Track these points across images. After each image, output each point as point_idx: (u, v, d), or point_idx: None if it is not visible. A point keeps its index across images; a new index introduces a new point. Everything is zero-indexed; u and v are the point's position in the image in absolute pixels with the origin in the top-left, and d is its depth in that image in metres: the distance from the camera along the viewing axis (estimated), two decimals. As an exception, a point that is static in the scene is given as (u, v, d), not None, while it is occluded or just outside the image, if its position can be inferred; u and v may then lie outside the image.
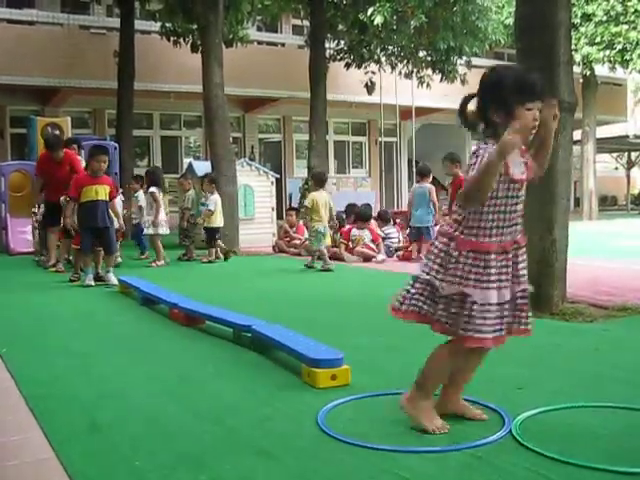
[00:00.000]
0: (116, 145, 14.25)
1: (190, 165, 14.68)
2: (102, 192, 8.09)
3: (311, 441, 2.81)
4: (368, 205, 14.83)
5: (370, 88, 18.69)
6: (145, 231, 10.81)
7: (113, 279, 7.96)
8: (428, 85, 18.76)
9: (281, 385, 3.69)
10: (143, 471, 2.55)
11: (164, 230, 10.59)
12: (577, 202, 25.68)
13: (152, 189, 10.59)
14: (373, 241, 11.29)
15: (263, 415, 3.16)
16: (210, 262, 10.81)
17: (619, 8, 21.19)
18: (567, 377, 3.73)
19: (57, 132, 13.16)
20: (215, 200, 11.05)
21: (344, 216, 12.65)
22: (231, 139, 14.03)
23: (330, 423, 2.98)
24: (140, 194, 11.35)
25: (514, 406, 3.13)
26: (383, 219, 12.38)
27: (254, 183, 14.00)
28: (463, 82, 18.57)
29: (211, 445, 2.79)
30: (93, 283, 7.93)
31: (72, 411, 3.28)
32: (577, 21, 20.95)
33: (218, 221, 11.15)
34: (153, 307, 6.25)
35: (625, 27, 21.29)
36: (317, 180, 10.58)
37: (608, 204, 35.58)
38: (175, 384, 3.75)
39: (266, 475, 2.49)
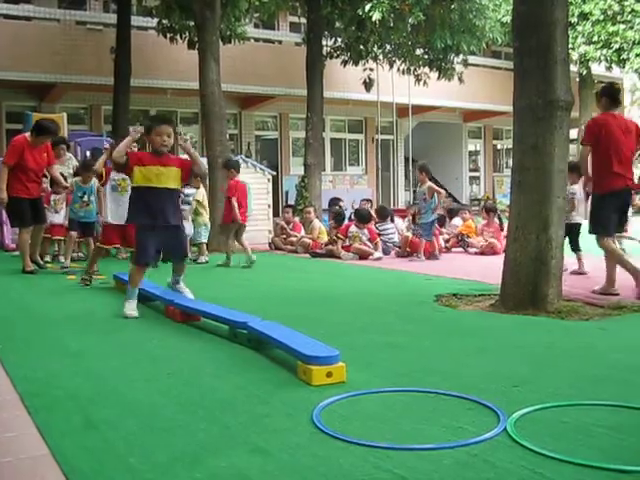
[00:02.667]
0: (112, 141, 14.22)
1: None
2: (169, 177, 5.88)
3: (306, 438, 2.81)
4: (368, 200, 14.86)
5: (368, 85, 18.68)
6: None
7: (187, 291, 6.19)
8: (425, 83, 18.77)
9: (277, 382, 3.69)
10: (138, 468, 2.54)
11: None
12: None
13: None
14: (371, 240, 11.30)
15: (258, 412, 3.16)
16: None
17: (616, 7, 21.23)
18: (562, 375, 3.73)
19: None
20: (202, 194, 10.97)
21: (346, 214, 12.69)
22: (228, 136, 14.01)
23: (325, 420, 2.98)
24: None
25: (509, 404, 3.13)
26: (381, 215, 12.37)
27: (250, 180, 13.97)
28: (460, 80, 18.59)
29: (206, 442, 2.79)
30: (136, 313, 5.71)
31: (67, 408, 3.27)
32: (574, 20, 20.99)
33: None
34: (149, 304, 6.25)
35: (622, 26, 21.32)
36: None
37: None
38: (170, 381, 3.75)
39: (261, 472, 2.49)
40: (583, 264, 8.55)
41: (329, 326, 5.14)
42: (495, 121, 27.08)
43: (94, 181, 9.17)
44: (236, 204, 10.04)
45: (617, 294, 6.62)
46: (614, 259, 6.85)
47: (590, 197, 7.04)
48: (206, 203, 11.13)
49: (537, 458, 2.55)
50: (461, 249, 11.99)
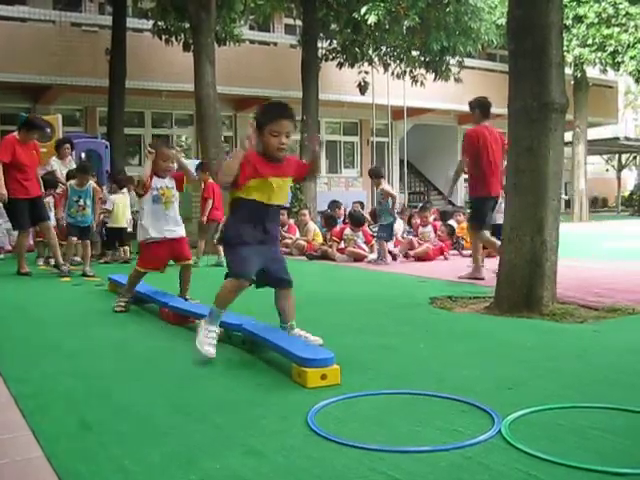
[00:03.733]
0: (107, 143, 14.23)
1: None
2: (284, 191, 4.50)
3: (301, 440, 2.81)
4: (361, 203, 14.86)
5: (363, 88, 18.70)
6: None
7: (312, 337, 4.54)
8: (422, 84, 18.79)
9: (271, 384, 3.68)
10: (132, 470, 2.54)
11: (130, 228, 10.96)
12: (568, 203, 25.76)
13: (122, 190, 11.00)
14: (366, 242, 11.30)
15: (253, 414, 3.15)
16: (107, 263, 10.59)
17: (610, 10, 21.29)
18: (557, 378, 3.74)
19: (48, 130, 13.13)
20: (114, 200, 10.84)
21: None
22: (223, 138, 14.01)
23: (320, 423, 2.98)
24: (115, 195, 11.18)
25: (504, 406, 3.13)
26: (375, 218, 12.37)
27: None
28: (457, 81, 18.61)
29: (201, 444, 2.79)
30: (213, 351, 4.16)
31: (61, 410, 3.27)
32: (569, 22, 21.04)
33: (121, 222, 10.92)
34: (143, 306, 6.24)
35: (616, 29, 21.38)
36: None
37: (599, 206, 35.73)
38: (164, 383, 3.74)
39: (256, 474, 2.49)
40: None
41: (324, 328, 5.13)
42: (490, 123, 27.15)
43: (90, 184, 9.12)
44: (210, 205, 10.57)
45: (482, 278, 7.84)
46: (491, 247, 8.25)
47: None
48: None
49: (531, 460, 2.55)
50: (456, 251, 12.00)
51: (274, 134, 4.20)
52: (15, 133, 9.16)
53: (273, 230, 4.52)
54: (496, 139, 7.96)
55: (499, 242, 7.07)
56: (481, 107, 8.02)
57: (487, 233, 8.03)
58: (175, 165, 6.22)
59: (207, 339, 4.17)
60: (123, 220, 10.89)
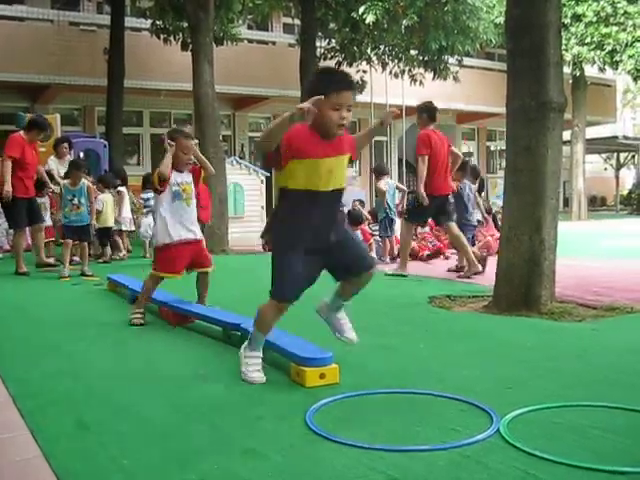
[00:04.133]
0: (105, 143, 14.22)
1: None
2: (341, 171, 3.79)
3: (299, 440, 2.81)
4: (361, 201, 14.85)
5: (360, 87, 18.68)
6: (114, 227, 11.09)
7: (348, 326, 4.21)
8: (421, 83, 18.77)
9: (270, 384, 3.68)
10: (131, 470, 2.54)
11: (127, 226, 11.15)
12: (566, 202, 25.75)
13: (121, 188, 11.13)
14: (365, 241, 11.28)
15: (251, 414, 3.15)
16: (105, 262, 10.59)
17: (609, 9, 21.27)
18: (555, 377, 3.74)
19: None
20: (103, 200, 10.82)
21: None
22: (221, 137, 14.00)
23: (318, 422, 2.98)
24: (107, 197, 11.16)
25: (502, 405, 3.14)
26: (375, 216, 12.35)
27: (244, 181, 14.00)
28: (455, 79, 18.60)
29: (199, 444, 2.79)
30: (262, 377, 3.75)
31: (60, 410, 3.27)
32: (567, 21, 21.02)
33: (109, 221, 10.95)
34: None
35: (615, 28, 21.37)
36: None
37: (597, 205, 35.72)
38: (163, 383, 3.74)
39: (254, 474, 2.49)
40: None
41: (322, 327, 5.13)
42: (488, 123, 27.13)
43: (83, 182, 8.91)
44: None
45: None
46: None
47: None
48: None
49: (530, 459, 2.55)
50: (454, 250, 11.98)
51: (336, 107, 3.55)
52: (21, 132, 9.13)
53: (334, 219, 3.79)
54: (442, 141, 8.48)
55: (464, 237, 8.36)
56: (428, 112, 8.55)
57: (456, 227, 8.48)
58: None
59: (251, 367, 3.76)
60: (111, 220, 10.93)
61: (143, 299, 5.61)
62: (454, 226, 8.44)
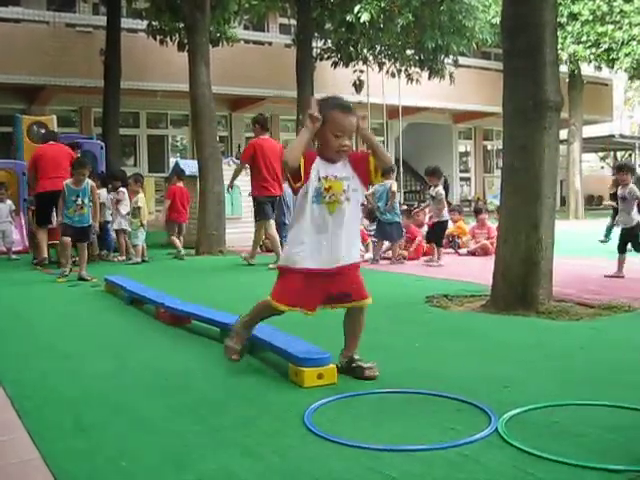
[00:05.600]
0: (102, 144, 14.21)
1: (177, 164, 14.66)
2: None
3: (297, 440, 2.81)
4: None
5: (358, 87, 18.70)
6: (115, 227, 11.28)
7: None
8: (417, 81, 18.78)
9: (267, 384, 3.68)
10: (129, 471, 2.54)
11: (125, 226, 11.20)
12: (563, 201, 25.78)
13: (122, 189, 11.20)
14: (362, 241, 11.28)
15: (249, 414, 3.15)
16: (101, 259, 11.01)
17: (605, 8, 21.29)
18: (553, 376, 3.74)
19: (43, 130, 13.16)
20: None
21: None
22: (218, 138, 14.00)
23: (316, 422, 2.98)
24: (102, 192, 11.22)
25: (500, 404, 3.14)
26: (370, 217, 12.35)
27: (241, 182, 13.93)
28: (451, 78, 18.61)
29: (197, 444, 2.79)
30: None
31: (57, 411, 3.26)
32: (563, 20, 21.04)
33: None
34: (139, 307, 6.24)
35: (611, 27, 21.39)
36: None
37: (594, 203, 35.76)
38: (161, 384, 3.74)
39: (252, 474, 2.49)
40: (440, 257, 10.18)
41: (320, 328, 5.13)
42: (485, 122, 27.17)
43: (87, 182, 8.64)
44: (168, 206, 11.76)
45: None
46: (257, 238, 10.32)
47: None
48: (145, 207, 11.56)
49: (528, 458, 2.55)
50: (452, 250, 12.00)
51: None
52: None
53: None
54: (273, 149, 9.86)
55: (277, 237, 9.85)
56: (260, 123, 10.14)
57: (273, 226, 10.03)
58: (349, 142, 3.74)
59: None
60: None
61: (242, 327, 4.04)
62: (272, 224, 10.02)
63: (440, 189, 10.33)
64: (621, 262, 8.04)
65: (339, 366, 3.78)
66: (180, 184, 12.24)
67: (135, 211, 11.12)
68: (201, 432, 2.93)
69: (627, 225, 8.31)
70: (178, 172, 12.85)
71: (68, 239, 8.61)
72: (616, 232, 9.67)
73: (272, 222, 10.04)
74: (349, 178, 3.77)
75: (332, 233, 3.71)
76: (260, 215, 10.02)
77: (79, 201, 8.52)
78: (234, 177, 10.31)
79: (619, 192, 8.48)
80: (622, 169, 8.65)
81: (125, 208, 11.08)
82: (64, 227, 8.63)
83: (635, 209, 8.26)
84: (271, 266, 9.18)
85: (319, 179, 3.69)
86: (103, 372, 4.00)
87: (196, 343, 4.82)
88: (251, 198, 10.32)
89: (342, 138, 3.65)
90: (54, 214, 9.97)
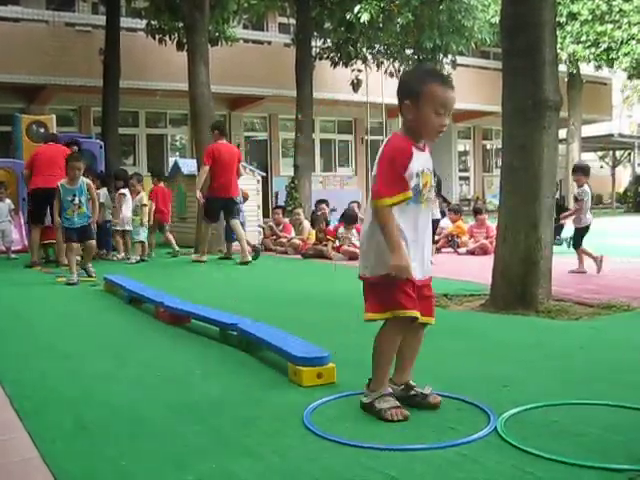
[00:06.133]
0: (102, 143, 14.21)
1: (176, 163, 14.66)
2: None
3: (297, 440, 2.81)
4: (357, 202, 14.86)
5: (356, 86, 18.69)
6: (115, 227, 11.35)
7: None
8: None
9: (267, 384, 3.68)
10: (129, 471, 2.54)
11: (129, 226, 11.24)
12: (562, 200, 25.78)
13: (122, 190, 11.24)
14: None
15: (249, 414, 3.15)
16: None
17: (604, 7, 21.32)
18: (552, 375, 3.74)
19: (42, 130, 13.18)
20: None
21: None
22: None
23: (316, 421, 2.98)
24: (101, 192, 11.24)
25: (499, 404, 3.14)
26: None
27: (240, 181, 13.94)
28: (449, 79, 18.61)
29: (196, 445, 2.79)
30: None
31: (57, 411, 3.26)
32: (563, 20, 21.06)
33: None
34: (139, 306, 6.24)
35: (610, 26, 21.41)
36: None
37: (593, 203, 35.75)
38: (160, 383, 3.74)
39: (252, 474, 2.49)
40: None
41: (319, 327, 5.14)
42: (484, 121, 27.16)
43: (82, 180, 8.41)
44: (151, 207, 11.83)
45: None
46: (202, 237, 10.78)
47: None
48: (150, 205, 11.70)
49: (527, 458, 2.55)
50: (451, 249, 12.01)
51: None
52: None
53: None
54: (231, 153, 10.72)
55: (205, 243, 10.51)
56: (218, 129, 10.84)
57: (238, 223, 10.66)
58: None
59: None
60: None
61: (382, 375, 3.27)
62: (237, 222, 10.66)
63: None
64: (581, 258, 8.49)
65: (393, 394, 3.18)
66: (161, 185, 12.44)
67: (137, 209, 11.17)
68: (201, 432, 2.93)
69: (578, 225, 8.79)
70: (157, 173, 13.00)
71: (74, 245, 8.43)
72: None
73: (237, 221, 10.70)
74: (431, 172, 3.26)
75: (422, 237, 3.21)
76: (207, 216, 10.67)
77: (76, 200, 8.30)
78: (200, 182, 10.61)
79: (574, 192, 9.01)
80: (575, 170, 9.01)
81: (128, 210, 11.08)
82: (67, 232, 8.41)
83: (588, 211, 8.70)
84: (194, 257, 10.59)
85: (416, 174, 3.11)
86: (103, 372, 4.00)
87: (196, 343, 4.82)
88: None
89: (443, 117, 3.09)
90: (48, 213, 10.01)
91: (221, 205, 10.61)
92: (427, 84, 3.06)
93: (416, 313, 3.24)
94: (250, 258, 10.26)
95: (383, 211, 3.01)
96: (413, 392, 3.25)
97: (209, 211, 10.64)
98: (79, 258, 8.97)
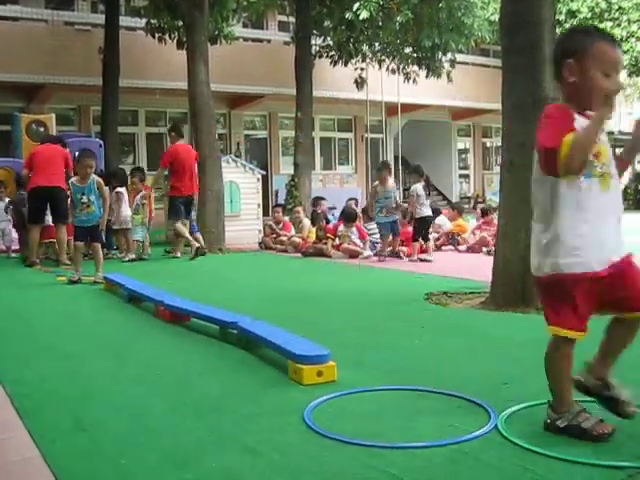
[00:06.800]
0: (101, 142, 14.20)
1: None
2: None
3: (297, 438, 2.81)
4: (354, 200, 14.86)
5: (360, 84, 18.69)
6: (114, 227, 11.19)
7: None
8: (415, 81, 18.77)
9: (267, 382, 3.69)
10: (129, 470, 2.54)
11: (126, 225, 11.16)
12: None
13: (120, 189, 11.14)
14: (361, 238, 11.30)
15: (249, 412, 3.15)
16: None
17: (603, 5, 21.32)
18: (552, 372, 3.73)
19: (42, 129, 13.17)
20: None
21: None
22: (217, 136, 13.99)
23: (316, 419, 2.98)
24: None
25: (500, 401, 3.14)
26: (369, 215, 12.35)
27: (240, 180, 13.97)
28: (449, 77, 18.60)
29: (197, 442, 2.79)
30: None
31: (57, 410, 3.26)
32: (562, 18, 21.06)
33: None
34: (139, 305, 6.23)
35: (609, 24, 21.41)
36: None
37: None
38: (160, 382, 3.74)
39: (252, 472, 2.49)
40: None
41: (319, 325, 5.14)
42: (484, 119, 27.12)
43: (92, 177, 8.13)
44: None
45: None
46: (182, 235, 11.06)
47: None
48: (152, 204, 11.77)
49: (528, 455, 2.55)
50: (452, 247, 12.01)
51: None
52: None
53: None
54: (189, 153, 11.27)
55: (189, 236, 10.91)
56: (175, 130, 11.39)
57: (182, 225, 11.05)
58: None
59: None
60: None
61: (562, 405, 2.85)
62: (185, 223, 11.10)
63: (417, 187, 10.52)
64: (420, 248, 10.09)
65: (581, 382, 2.95)
66: (146, 184, 12.22)
67: (138, 208, 11.15)
68: (201, 430, 2.93)
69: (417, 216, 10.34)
70: (137, 174, 12.68)
71: (80, 244, 8.20)
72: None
73: (185, 221, 11.17)
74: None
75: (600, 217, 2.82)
76: (173, 214, 11.10)
77: (84, 199, 8.03)
78: (155, 183, 11.67)
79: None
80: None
81: (126, 208, 11.08)
82: (76, 230, 8.22)
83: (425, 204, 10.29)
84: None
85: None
86: (103, 371, 4.00)
87: (196, 341, 4.82)
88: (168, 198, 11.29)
89: (614, 79, 2.75)
90: (48, 212, 10.05)
91: (183, 202, 11.04)
92: (595, 41, 2.74)
93: (574, 334, 2.87)
94: (179, 255, 11.05)
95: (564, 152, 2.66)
96: (608, 393, 2.88)
97: (175, 209, 11.02)
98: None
